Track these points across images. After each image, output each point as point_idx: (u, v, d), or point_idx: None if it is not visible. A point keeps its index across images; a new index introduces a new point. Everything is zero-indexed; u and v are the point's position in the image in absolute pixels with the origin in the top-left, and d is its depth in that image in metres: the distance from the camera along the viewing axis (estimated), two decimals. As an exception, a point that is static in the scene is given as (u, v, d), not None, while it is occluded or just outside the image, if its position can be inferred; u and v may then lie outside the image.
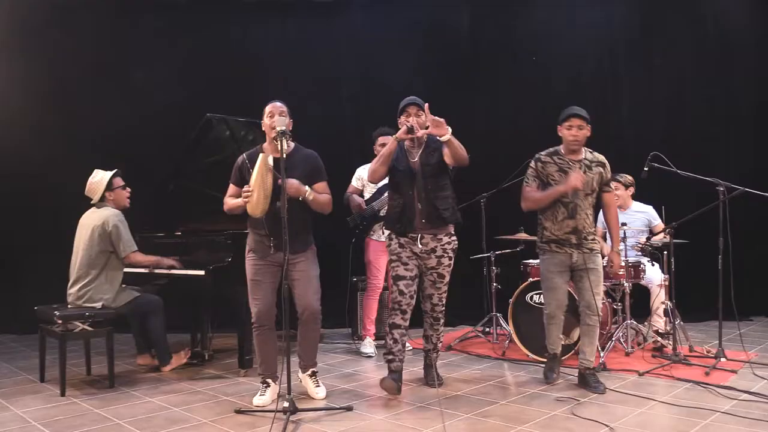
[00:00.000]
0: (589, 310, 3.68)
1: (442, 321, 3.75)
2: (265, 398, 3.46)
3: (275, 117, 3.38)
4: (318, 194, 3.47)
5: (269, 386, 3.51)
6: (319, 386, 3.63)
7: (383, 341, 4.97)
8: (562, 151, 3.74)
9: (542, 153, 3.77)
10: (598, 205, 3.83)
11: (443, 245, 3.60)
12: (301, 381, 3.65)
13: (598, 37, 6.28)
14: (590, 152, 3.76)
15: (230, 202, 3.53)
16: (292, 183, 3.31)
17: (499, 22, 6.36)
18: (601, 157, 3.77)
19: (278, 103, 3.47)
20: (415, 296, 3.62)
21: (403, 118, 3.59)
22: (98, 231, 4.06)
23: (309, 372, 3.63)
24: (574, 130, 3.64)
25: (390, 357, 3.58)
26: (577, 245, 3.66)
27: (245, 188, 3.29)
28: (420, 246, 3.57)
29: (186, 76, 6.23)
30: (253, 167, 3.35)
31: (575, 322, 3.96)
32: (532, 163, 3.77)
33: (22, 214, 6.15)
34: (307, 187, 3.40)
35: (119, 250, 4.08)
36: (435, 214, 3.54)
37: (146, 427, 3.13)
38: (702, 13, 6.23)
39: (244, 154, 3.57)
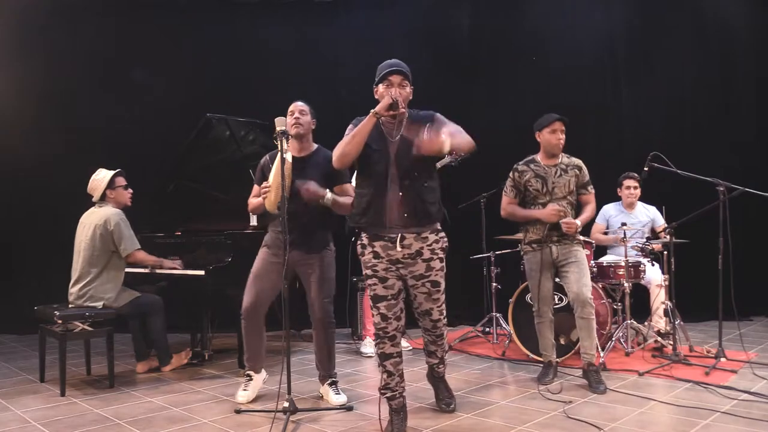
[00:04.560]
0: (578, 302, 3.69)
1: (445, 334, 3.19)
2: (247, 393, 3.47)
3: (296, 114, 3.42)
4: (339, 198, 3.39)
5: (252, 380, 3.53)
6: (338, 394, 3.50)
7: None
8: (539, 158, 3.87)
9: (519, 162, 3.90)
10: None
11: (430, 245, 2.94)
12: (322, 396, 3.58)
13: (598, 37, 6.28)
14: (567, 157, 3.86)
15: (253, 201, 3.57)
16: (309, 186, 3.29)
17: (499, 22, 6.37)
18: (578, 161, 3.86)
19: (300, 102, 3.48)
20: (402, 315, 2.99)
21: (382, 88, 2.97)
22: (100, 230, 4.06)
23: (329, 381, 3.56)
24: (558, 134, 3.75)
25: (389, 393, 2.99)
26: (558, 241, 3.77)
27: (264, 184, 3.32)
28: (400, 248, 2.90)
29: (186, 76, 6.23)
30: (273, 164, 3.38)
31: (574, 321, 3.96)
32: (511, 173, 3.90)
33: (22, 214, 6.16)
34: (327, 191, 3.34)
35: (121, 248, 4.08)
36: (420, 208, 2.89)
37: (146, 427, 3.13)
38: (702, 13, 6.24)
39: (267, 155, 3.60)
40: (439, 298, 3.03)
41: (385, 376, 2.98)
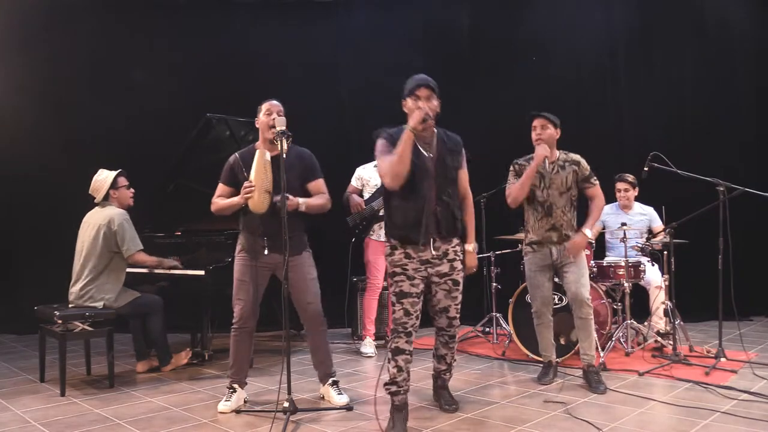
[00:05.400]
0: (576, 302, 3.69)
1: (457, 338, 3.29)
2: (230, 404, 3.36)
3: (273, 115, 3.32)
4: (311, 200, 3.41)
5: (235, 392, 3.42)
6: (341, 394, 3.48)
7: (383, 341, 5.02)
8: None
9: (519, 159, 3.88)
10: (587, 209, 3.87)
11: (454, 247, 3.15)
12: (323, 396, 3.58)
13: (598, 37, 6.28)
14: (565, 153, 3.84)
15: (220, 202, 3.44)
16: (290, 202, 3.25)
17: (499, 22, 6.38)
18: (576, 156, 3.83)
19: (275, 102, 3.42)
20: (420, 315, 3.10)
21: (411, 102, 3.06)
22: (104, 230, 4.06)
23: (329, 381, 3.53)
24: (537, 130, 3.75)
25: (394, 389, 3.03)
26: (557, 242, 3.75)
27: (246, 184, 3.22)
28: (433, 251, 3.06)
29: (186, 76, 6.23)
30: (246, 167, 3.32)
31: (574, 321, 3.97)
32: (511, 167, 3.89)
33: (22, 215, 6.16)
34: (299, 200, 3.34)
35: (124, 248, 4.07)
36: (452, 222, 3.10)
37: (146, 427, 3.13)
38: (702, 13, 6.23)
39: (236, 154, 3.48)
40: (458, 296, 3.18)
41: (394, 371, 3.01)
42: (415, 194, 3.02)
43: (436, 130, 3.16)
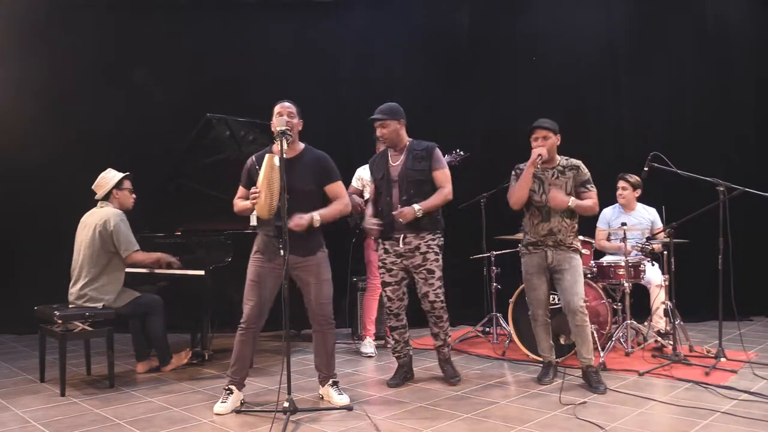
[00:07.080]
0: (569, 310, 3.69)
1: (445, 318, 3.79)
2: (226, 406, 3.34)
3: (284, 117, 3.31)
4: (325, 211, 3.38)
5: (232, 393, 3.40)
6: (341, 394, 3.49)
7: (383, 341, 5.03)
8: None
9: (520, 164, 3.85)
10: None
11: (427, 242, 3.70)
12: (322, 396, 3.57)
13: (598, 37, 6.28)
14: (565, 159, 3.81)
15: (239, 203, 3.50)
16: (299, 223, 3.25)
17: (499, 22, 6.37)
18: (577, 162, 3.79)
19: (287, 103, 3.41)
20: (404, 297, 3.84)
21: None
22: (99, 230, 4.05)
23: (330, 382, 3.53)
24: (539, 141, 3.72)
25: (395, 355, 3.97)
26: (554, 246, 3.74)
27: (252, 189, 3.24)
28: (402, 245, 3.71)
29: (186, 76, 6.23)
30: (261, 168, 3.34)
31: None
32: (513, 172, 3.89)
33: (22, 214, 6.16)
34: (314, 215, 3.31)
35: (121, 250, 4.07)
36: (414, 222, 3.64)
37: (146, 427, 3.13)
38: (702, 13, 6.24)
39: (253, 156, 3.51)
40: (434, 283, 3.71)
41: (393, 342, 3.93)
42: (384, 197, 3.77)
43: (408, 141, 3.78)
